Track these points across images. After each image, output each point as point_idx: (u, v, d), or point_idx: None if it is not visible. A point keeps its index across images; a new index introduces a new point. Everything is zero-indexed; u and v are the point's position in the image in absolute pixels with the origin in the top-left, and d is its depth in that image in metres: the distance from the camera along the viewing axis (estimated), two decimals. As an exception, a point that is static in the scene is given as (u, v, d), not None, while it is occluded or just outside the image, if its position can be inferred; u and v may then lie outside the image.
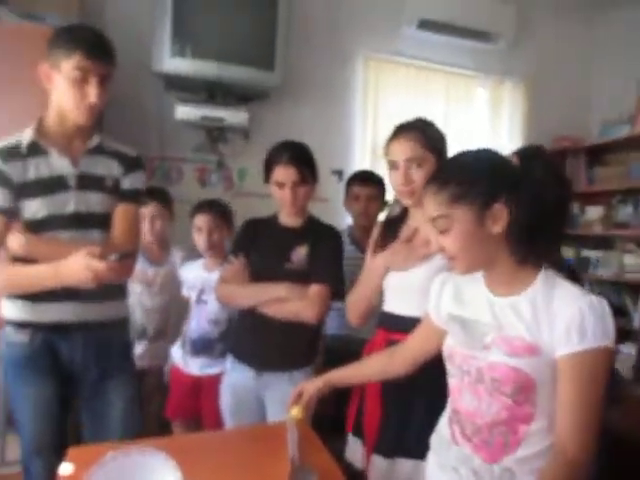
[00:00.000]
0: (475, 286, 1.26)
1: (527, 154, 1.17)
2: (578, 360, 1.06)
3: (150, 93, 3.03)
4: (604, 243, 3.74)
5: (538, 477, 1.08)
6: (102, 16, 2.86)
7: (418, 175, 1.54)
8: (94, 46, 1.54)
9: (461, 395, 1.22)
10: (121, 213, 1.68)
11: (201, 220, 2.27)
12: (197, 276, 2.31)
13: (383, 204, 2.67)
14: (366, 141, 3.47)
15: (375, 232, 1.74)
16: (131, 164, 1.72)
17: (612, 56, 3.95)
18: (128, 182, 1.70)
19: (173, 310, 2.53)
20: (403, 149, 1.56)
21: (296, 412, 1.47)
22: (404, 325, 1.52)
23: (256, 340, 1.93)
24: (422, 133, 1.57)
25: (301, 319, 1.86)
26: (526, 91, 3.84)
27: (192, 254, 2.48)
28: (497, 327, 1.16)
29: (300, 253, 1.92)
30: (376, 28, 3.51)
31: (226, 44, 2.87)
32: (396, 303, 1.63)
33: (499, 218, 1.12)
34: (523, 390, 1.10)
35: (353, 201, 2.65)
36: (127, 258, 1.53)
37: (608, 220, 3.68)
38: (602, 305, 1.07)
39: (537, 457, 1.12)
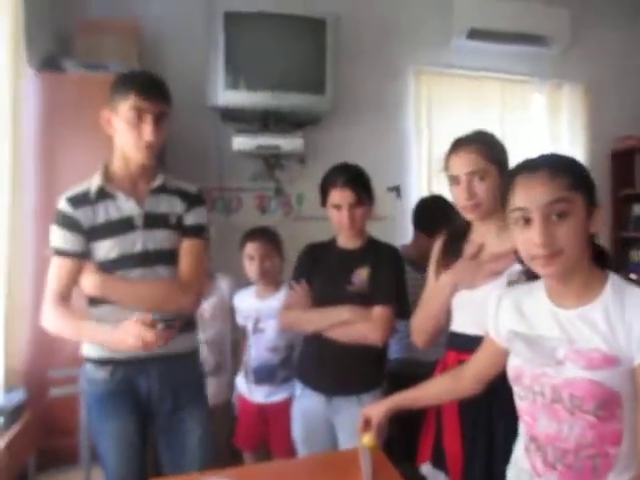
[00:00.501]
0: (535, 300, 1.21)
1: None
2: None
3: (207, 127, 3.12)
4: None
5: None
6: (159, 60, 2.97)
7: (481, 188, 1.50)
8: (148, 87, 1.61)
9: (536, 419, 1.15)
10: (186, 248, 1.73)
11: (252, 248, 2.28)
12: (250, 305, 2.32)
13: None
14: (422, 155, 3.44)
15: (436, 249, 1.71)
16: (193, 200, 1.77)
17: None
18: (191, 218, 1.75)
19: (228, 340, 2.53)
20: (464, 162, 1.52)
21: (368, 440, 1.44)
22: (475, 345, 1.46)
23: (322, 365, 1.93)
24: (483, 145, 1.53)
25: (366, 342, 1.85)
26: (585, 94, 3.71)
27: (240, 282, 2.48)
28: (567, 341, 1.10)
29: (361, 275, 1.91)
30: (425, 42, 3.50)
31: (277, 73, 2.94)
32: (465, 323, 1.58)
33: (599, 218, 1.10)
34: (607, 405, 1.04)
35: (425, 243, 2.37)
36: (173, 326, 1.56)
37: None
38: None
39: None
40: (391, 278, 1.92)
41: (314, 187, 2.02)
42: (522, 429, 1.24)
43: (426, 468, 1.63)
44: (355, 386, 1.90)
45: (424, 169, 3.43)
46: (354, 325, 1.85)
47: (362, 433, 1.47)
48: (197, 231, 1.76)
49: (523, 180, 1.11)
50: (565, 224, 1.06)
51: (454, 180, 1.55)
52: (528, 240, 1.09)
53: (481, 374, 1.38)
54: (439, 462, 1.58)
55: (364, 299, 1.87)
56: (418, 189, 3.42)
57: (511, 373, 1.22)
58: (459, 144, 1.56)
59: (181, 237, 1.74)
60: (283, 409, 2.10)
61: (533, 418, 1.17)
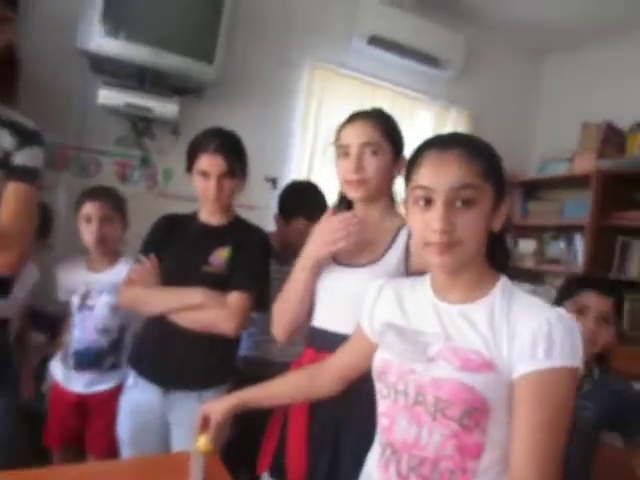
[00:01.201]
0: (418, 293, 1.10)
1: None
2: (542, 379, 0.89)
3: (72, 73, 2.71)
4: (535, 277, 3.72)
5: None
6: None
7: (371, 164, 1.37)
8: None
9: (395, 422, 1.01)
10: (10, 192, 1.38)
11: (91, 208, 1.92)
12: (79, 278, 1.97)
13: None
14: (304, 150, 3.29)
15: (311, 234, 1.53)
16: (27, 138, 1.43)
17: (558, 95, 4.03)
18: (21, 157, 1.41)
19: None
20: (358, 133, 1.38)
21: (203, 443, 1.24)
22: (335, 343, 1.31)
23: (162, 353, 1.68)
24: (381, 120, 1.42)
25: (217, 330, 1.64)
26: (469, 121, 3.82)
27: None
28: (445, 337, 0.98)
29: (221, 255, 1.70)
30: (326, 38, 3.38)
31: (163, 29, 2.61)
32: (327, 318, 1.42)
33: (503, 214, 1.00)
34: (473, 413, 0.91)
35: (293, 233, 2.13)
36: None
37: (540, 255, 3.68)
38: (571, 320, 0.92)
39: None
40: (254, 263, 1.72)
41: (184, 164, 1.78)
42: (378, 435, 1.10)
43: (265, 478, 1.45)
44: (197, 380, 1.67)
45: (304, 164, 3.28)
46: (206, 310, 1.62)
47: (198, 434, 1.26)
48: (27, 174, 1.43)
49: (433, 157, 0.98)
50: (469, 213, 0.95)
51: (344, 151, 1.41)
52: (425, 224, 0.96)
53: (342, 372, 1.24)
54: (279, 472, 1.40)
55: (221, 282, 1.66)
56: (296, 184, 3.25)
57: (377, 367, 1.08)
58: (357, 115, 1.43)
59: (5, 179, 1.40)
60: (106, 401, 1.82)
61: (392, 420, 1.03)
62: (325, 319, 1.42)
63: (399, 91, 3.59)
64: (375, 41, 3.37)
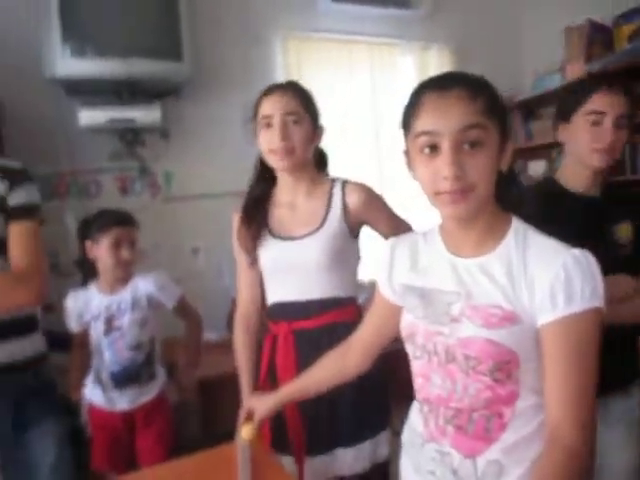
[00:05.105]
0: (432, 249, 1.06)
1: None
2: (566, 327, 0.87)
3: (49, 102, 2.73)
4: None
5: (533, 471, 0.89)
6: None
7: (296, 133, 1.39)
8: None
9: (429, 380, 1.02)
10: (16, 233, 1.44)
11: (121, 233, 1.90)
12: (99, 303, 1.93)
13: None
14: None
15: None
16: (16, 177, 1.47)
17: (539, 7, 3.84)
18: (17, 197, 1.45)
19: None
20: (280, 102, 1.41)
21: (247, 432, 1.28)
22: (300, 311, 1.44)
23: None
24: (298, 91, 1.46)
25: None
26: (452, 55, 3.71)
27: None
28: (465, 295, 0.96)
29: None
30: (290, 5, 3.29)
31: (126, 37, 2.61)
32: (282, 292, 1.50)
33: (509, 153, 0.96)
34: (503, 367, 0.91)
35: None
36: None
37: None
38: (588, 259, 0.89)
39: (525, 444, 0.94)
40: None
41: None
42: (416, 393, 1.10)
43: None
44: None
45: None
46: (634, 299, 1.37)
47: (242, 425, 1.31)
48: (26, 212, 1.47)
49: (433, 99, 0.91)
50: (478, 155, 0.88)
51: (266, 122, 1.42)
52: (434, 172, 0.90)
53: (370, 343, 1.23)
54: (283, 445, 1.46)
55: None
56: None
57: (404, 331, 1.06)
58: (274, 87, 1.47)
59: (7, 222, 1.44)
60: (152, 411, 1.89)
61: (426, 379, 1.03)
62: (281, 293, 1.49)
63: (375, 42, 3.51)
64: (339, -4, 3.29)
